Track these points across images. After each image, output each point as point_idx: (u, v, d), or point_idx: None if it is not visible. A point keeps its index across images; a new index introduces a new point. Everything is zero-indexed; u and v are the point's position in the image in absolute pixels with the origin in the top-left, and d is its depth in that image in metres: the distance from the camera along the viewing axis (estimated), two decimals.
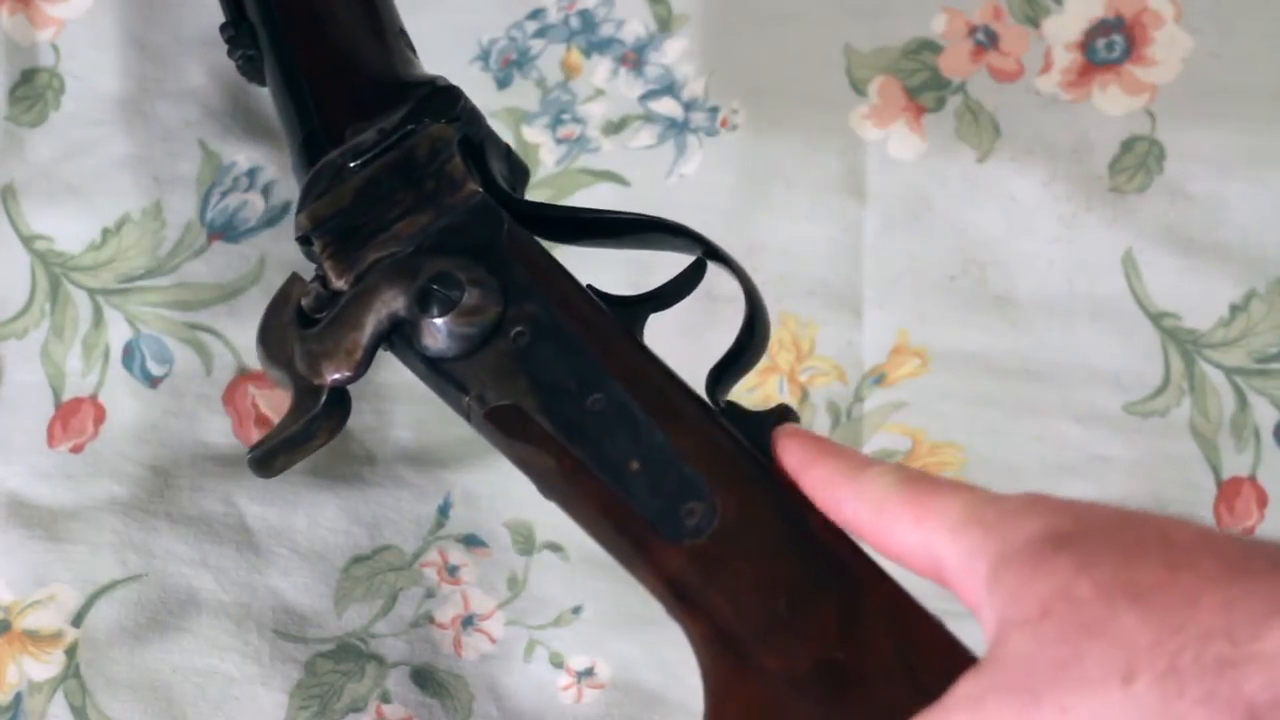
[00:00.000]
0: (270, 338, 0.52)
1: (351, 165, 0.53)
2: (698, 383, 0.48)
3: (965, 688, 0.37)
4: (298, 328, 0.51)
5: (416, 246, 0.51)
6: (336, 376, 0.50)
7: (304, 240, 0.53)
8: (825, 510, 0.44)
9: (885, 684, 0.40)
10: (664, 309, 0.50)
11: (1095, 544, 0.37)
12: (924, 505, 0.41)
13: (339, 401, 0.51)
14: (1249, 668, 0.32)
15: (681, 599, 0.44)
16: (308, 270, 0.53)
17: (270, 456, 0.51)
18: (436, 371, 0.49)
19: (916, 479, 0.42)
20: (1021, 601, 0.37)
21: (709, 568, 0.44)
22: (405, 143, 0.53)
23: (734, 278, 0.50)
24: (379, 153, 0.53)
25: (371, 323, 0.50)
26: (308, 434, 0.50)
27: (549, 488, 0.48)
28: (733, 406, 0.47)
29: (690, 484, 0.45)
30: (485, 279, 0.49)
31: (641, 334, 0.49)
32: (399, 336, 0.50)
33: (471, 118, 0.54)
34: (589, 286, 0.50)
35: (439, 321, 0.49)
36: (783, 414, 0.47)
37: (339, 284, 0.51)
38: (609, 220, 0.54)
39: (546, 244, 0.52)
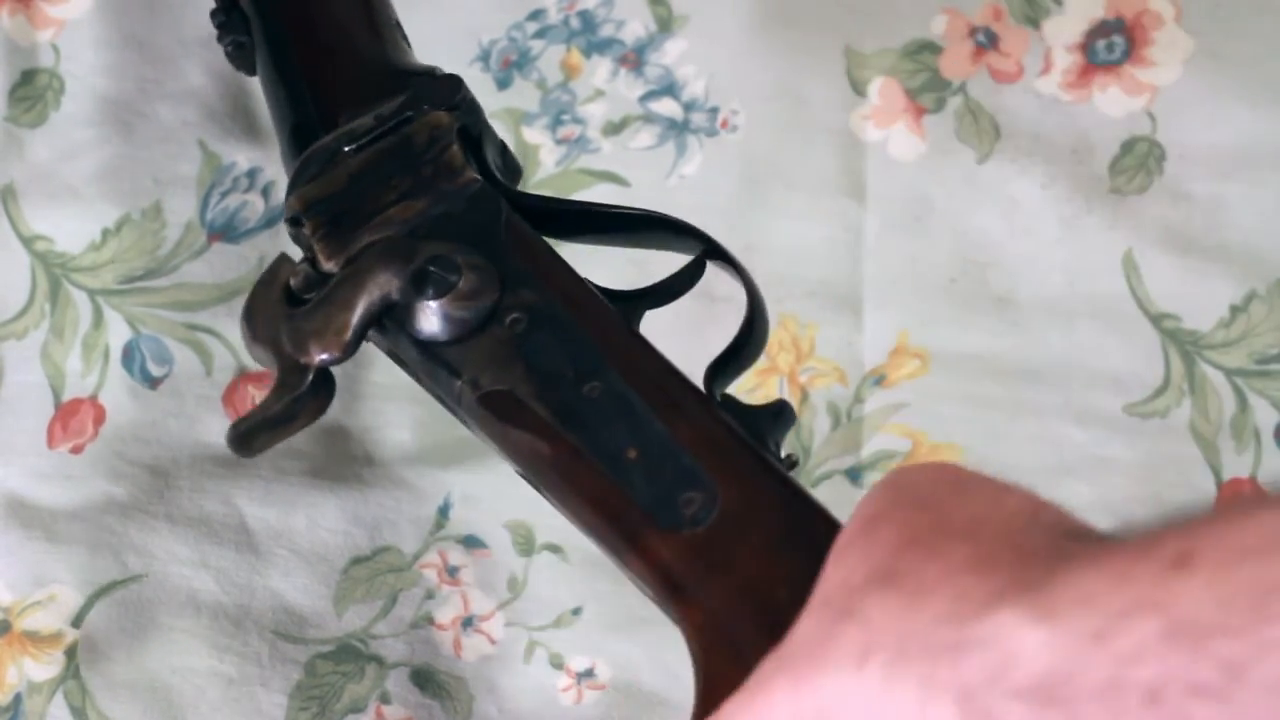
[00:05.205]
0: (255, 317, 0.51)
1: (346, 150, 0.53)
2: (695, 380, 0.48)
3: (765, 666, 0.38)
4: (285, 306, 0.50)
5: (411, 230, 0.50)
6: (324, 356, 0.49)
7: (294, 221, 0.52)
8: None
9: None
10: (661, 305, 0.50)
11: (885, 530, 0.37)
12: None
13: (324, 383, 0.50)
14: (966, 651, 0.33)
15: (675, 589, 0.44)
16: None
17: (251, 434, 0.50)
18: (428, 355, 0.49)
19: None
20: (818, 588, 0.38)
21: (707, 557, 0.43)
22: (403, 129, 0.53)
23: (736, 277, 0.50)
24: (375, 138, 0.53)
25: (363, 303, 0.49)
26: (291, 414, 0.50)
27: (539, 476, 0.48)
28: (731, 400, 0.47)
29: (689, 473, 0.44)
30: (482, 265, 0.49)
31: (638, 329, 0.49)
32: (390, 319, 0.49)
33: (471, 108, 0.54)
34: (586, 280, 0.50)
35: (434, 304, 0.48)
36: (780, 409, 0.47)
37: (329, 265, 0.51)
38: (610, 215, 0.53)
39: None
